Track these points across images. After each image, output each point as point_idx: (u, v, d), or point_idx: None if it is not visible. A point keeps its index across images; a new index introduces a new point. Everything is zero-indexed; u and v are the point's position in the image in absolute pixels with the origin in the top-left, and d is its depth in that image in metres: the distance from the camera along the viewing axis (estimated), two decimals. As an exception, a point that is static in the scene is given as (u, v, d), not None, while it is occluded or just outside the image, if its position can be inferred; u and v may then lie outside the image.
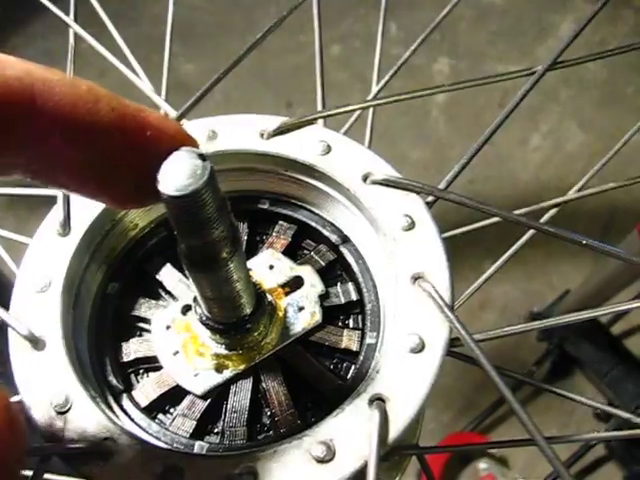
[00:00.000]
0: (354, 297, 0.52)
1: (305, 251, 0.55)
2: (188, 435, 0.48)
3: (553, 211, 0.64)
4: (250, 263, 0.51)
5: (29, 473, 0.46)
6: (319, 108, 0.56)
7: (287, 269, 0.51)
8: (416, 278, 0.46)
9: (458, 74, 2.16)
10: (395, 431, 0.41)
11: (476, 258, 1.65)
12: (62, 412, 0.43)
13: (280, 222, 0.54)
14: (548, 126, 2.10)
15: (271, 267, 0.51)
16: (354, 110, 0.56)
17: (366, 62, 2.34)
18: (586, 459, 1.78)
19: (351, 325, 0.52)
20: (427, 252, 0.47)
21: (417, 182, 0.49)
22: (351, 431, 0.41)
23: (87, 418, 0.43)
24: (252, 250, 0.54)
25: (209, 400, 0.49)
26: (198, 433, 0.48)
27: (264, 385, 0.49)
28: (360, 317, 0.52)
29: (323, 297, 0.51)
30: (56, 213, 0.50)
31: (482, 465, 1.78)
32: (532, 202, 0.61)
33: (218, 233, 0.38)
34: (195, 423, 0.48)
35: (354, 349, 0.50)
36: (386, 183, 0.49)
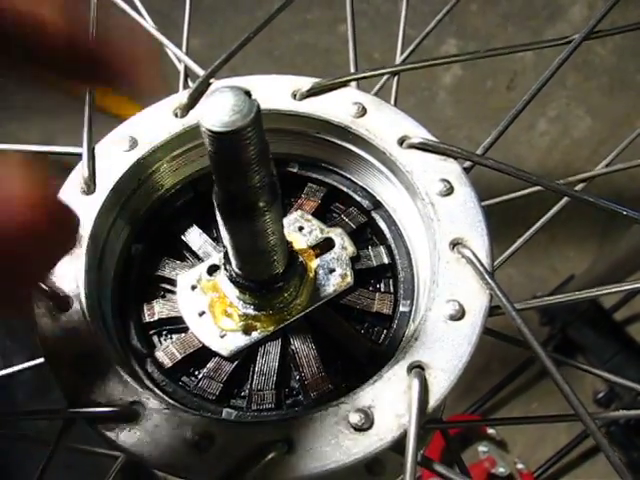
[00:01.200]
0: (386, 260, 0.50)
1: (334, 214, 0.53)
2: (214, 398, 0.46)
3: (581, 185, 0.63)
4: None
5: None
6: (352, 70, 0.54)
7: (317, 231, 0.50)
8: (455, 244, 0.44)
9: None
10: (435, 400, 0.40)
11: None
12: (89, 374, 0.42)
13: (309, 184, 0.53)
14: (555, 111, 2.08)
15: (301, 228, 0.50)
16: (386, 73, 0.54)
17: (373, 42, 2.31)
18: (585, 444, 1.78)
19: (383, 289, 0.50)
20: (466, 218, 0.45)
21: (455, 147, 0.47)
22: (390, 399, 0.40)
23: (114, 381, 0.41)
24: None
25: (236, 362, 0.47)
26: (224, 396, 0.47)
27: (293, 348, 0.48)
28: (392, 281, 0.50)
29: (354, 260, 0.50)
30: (80, 170, 0.48)
31: (482, 448, 1.78)
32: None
33: (259, 179, 0.36)
34: (222, 386, 0.47)
35: (386, 313, 0.49)
36: (423, 147, 0.47)
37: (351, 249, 0.49)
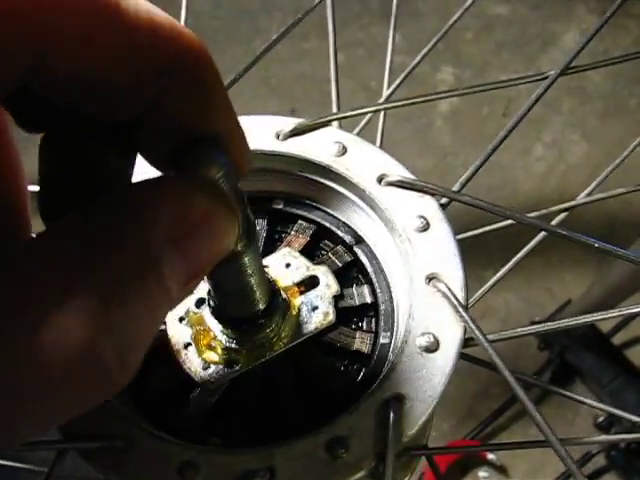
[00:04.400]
0: (369, 300, 0.52)
1: (322, 252, 0.55)
2: (197, 428, 0.48)
3: (562, 215, 0.65)
4: (267, 260, 0.51)
5: (44, 469, 0.47)
6: (334, 110, 0.57)
7: (303, 268, 0.51)
8: (431, 278, 0.46)
9: (462, 83, 2.17)
10: (410, 430, 0.41)
11: (478, 266, 1.66)
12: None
13: (299, 221, 0.55)
14: (551, 137, 2.11)
15: (287, 265, 0.51)
16: (368, 112, 0.56)
17: (370, 71, 2.35)
18: (586, 469, 1.78)
19: (364, 328, 0.51)
20: (441, 253, 0.47)
21: (432, 184, 0.49)
22: (366, 428, 0.41)
23: (105, 412, 0.43)
24: (270, 248, 0.54)
25: (217, 394, 0.49)
26: (207, 427, 0.48)
27: (274, 382, 0.49)
28: (374, 320, 0.52)
29: (338, 298, 0.51)
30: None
31: (482, 474, 1.78)
32: (534, 212, 0.61)
33: None
34: (204, 416, 0.48)
35: (366, 352, 0.50)
36: (401, 184, 0.49)
37: (335, 287, 0.51)
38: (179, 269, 0.28)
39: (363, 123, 0.67)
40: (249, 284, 0.43)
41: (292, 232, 0.54)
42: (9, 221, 0.34)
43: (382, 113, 0.67)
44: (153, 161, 0.35)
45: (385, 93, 0.72)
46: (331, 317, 0.50)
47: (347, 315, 0.51)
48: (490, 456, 1.80)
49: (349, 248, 0.53)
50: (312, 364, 0.50)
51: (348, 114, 0.53)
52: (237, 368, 0.48)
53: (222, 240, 0.30)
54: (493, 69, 2.18)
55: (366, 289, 0.52)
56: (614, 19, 0.63)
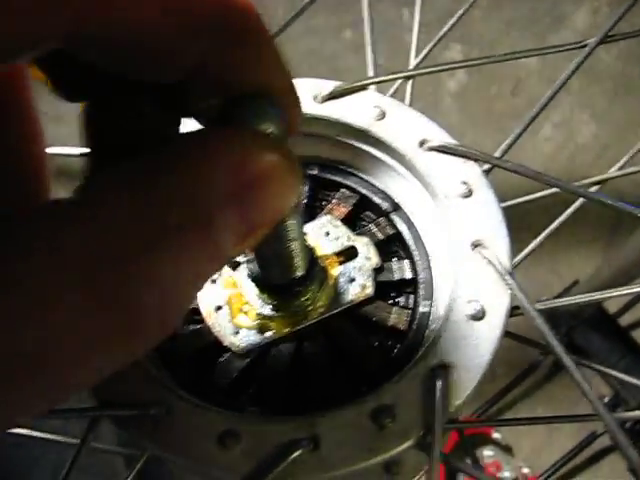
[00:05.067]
0: (408, 275, 0.50)
1: (364, 222, 0.53)
2: (223, 394, 0.47)
3: (594, 188, 0.64)
4: (306, 227, 0.49)
5: (76, 441, 0.46)
6: (370, 74, 0.55)
7: (344, 238, 0.50)
8: (475, 245, 0.45)
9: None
10: (458, 398, 0.40)
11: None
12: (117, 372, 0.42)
13: (342, 190, 0.53)
14: (560, 117, 2.09)
15: (327, 234, 0.50)
16: (405, 77, 0.55)
17: (378, 48, 2.32)
18: (591, 449, 1.78)
19: (402, 303, 0.50)
20: (486, 219, 0.46)
21: (474, 150, 0.48)
22: (413, 397, 0.40)
23: (141, 378, 0.42)
24: (311, 215, 0.53)
25: (247, 360, 0.48)
26: (233, 392, 0.47)
27: (305, 351, 0.48)
28: (412, 296, 0.50)
29: (377, 271, 0.49)
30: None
31: (487, 452, 1.78)
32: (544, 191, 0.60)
33: None
34: (231, 382, 0.47)
35: (401, 329, 0.48)
36: (443, 150, 0.48)
37: (375, 260, 0.49)
38: (234, 226, 0.26)
39: (392, 91, 0.65)
40: (290, 249, 0.41)
41: (334, 200, 0.53)
42: (30, 184, 0.34)
43: (410, 82, 0.66)
44: (201, 120, 0.33)
45: (413, 61, 0.71)
46: (369, 290, 0.48)
47: (385, 289, 0.50)
48: (495, 435, 1.80)
49: (386, 215, 0.52)
50: (346, 336, 0.49)
51: (386, 78, 0.52)
52: (269, 335, 0.47)
53: (284, 199, 0.28)
54: (502, 47, 2.15)
55: (406, 264, 0.51)
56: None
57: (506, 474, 1.77)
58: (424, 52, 0.70)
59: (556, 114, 2.10)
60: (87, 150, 0.32)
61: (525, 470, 1.75)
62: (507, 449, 1.82)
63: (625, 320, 1.89)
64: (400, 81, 0.64)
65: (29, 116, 0.33)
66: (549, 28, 2.21)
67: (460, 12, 0.76)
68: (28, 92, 0.33)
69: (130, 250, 0.23)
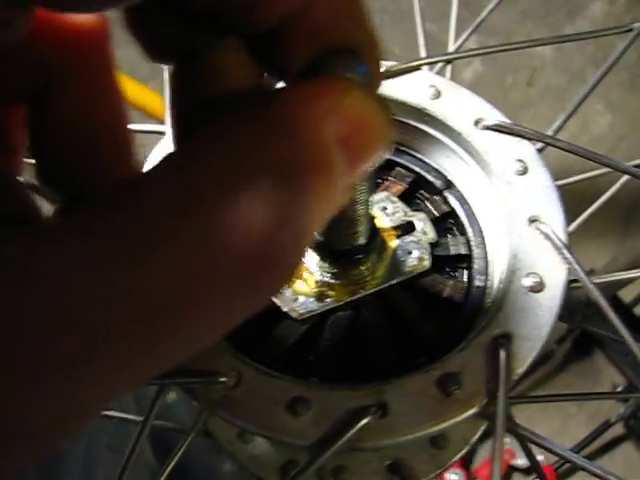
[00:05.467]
0: (463, 251, 0.51)
1: (419, 200, 0.55)
2: (280, 359, 0.48)
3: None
4: None
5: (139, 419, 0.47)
6: (422, 54, 0.56)
7: (401, 213, 0.51)
8: (532, 220, 0.46)
9: (486, 52, 2.14)
10: (520, 368, 0.41)
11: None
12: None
13: (398, 168, 0.54)
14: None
15: (385, 209, 0.51)
16: (454, 59, 0.56)
17: (394, 37, 2.33)
18: (604, 437, 1.79)
19: (457, 277, 0.51)
20: (542, 196, 0.47)
21: (529, 129, 0.49)
22: (477, 366, 0.41)
23: (210, 349, 0.43)
24: None
25: (305, 326, 0.49)
26: (290, 358, 0.48)
27: (363, 321, 0.49)
28: (466, 271, 0.51)
29: (433, 246, 0.51)
30: (163, 150, 0.50)
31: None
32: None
33: None
34: (288, 347, 0.48)
35: (457, 300, 0.50)
36: (498, 129, 0.49)
37: (431, 235, 0.51)
38: (346, 168, 0.27)
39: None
40: (356, 213, 0.42)
41: (390, 178, 0.54)
42: (119, 148, 0.35)
43: (449, 66, 0.67)
44: (286, 73, 0.33)
45: (451, 47, 0.72)
46: (426, 262, 0.50)
47: (441, 264, 0.51)
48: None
49: (439, 193, 0.53)
50: (403, 307, 0.50)
51: (439, 58, 0.53)
52: (328, 302, 0.48)
53: (381, 145, 0.29)
54: (518, 38, 2.15)
55: (461, 240, 0.52)
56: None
57: (520, 461, 1.79)
58: (463, 37, 0.71)
59: (571, 105, 2.10)
60: (174, 116, 0.33)
61: (539, 457, 1.76)
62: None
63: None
64: (441, 64, 0.65)
65: (111, 78, 0.34)
66: (565, 18, 2.21)
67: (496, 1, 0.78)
68: (110, 54, 0.33)
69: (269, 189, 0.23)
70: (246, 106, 0.26)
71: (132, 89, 2.03)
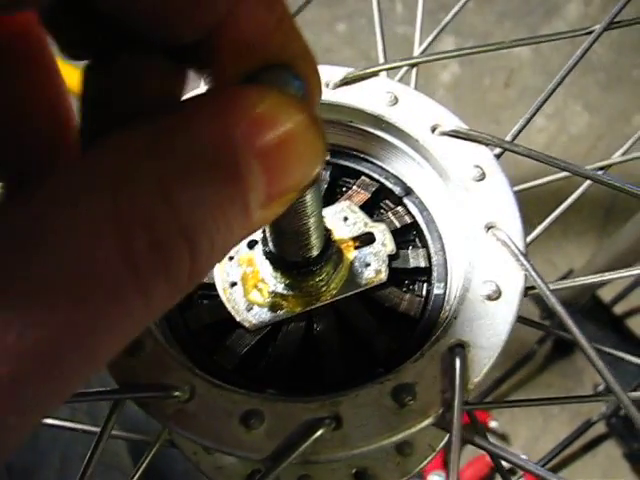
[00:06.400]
0: (423, 264, 0.51)
1: (382, 210, 0.54)
2: (231, 368, 0.47)
3: (600, 172, 0.64)
4: (326, 211, 0.50)
5: (96, 429, 0.46)
6: (381, 60, 0.56)
7: (361, 223, 0.50)
8: (489, 227, 0.46)
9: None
10: (476, 377, 0.41)
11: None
12: (133, 354, 0.43)
13: (362, 177, 0.54)
14: (553, 108, 2.10)
15: (345, 219, 0.50)
16: (417, 63, 0.55)
17: (371, 40, 2.33)
18: (586, 436, 1.80)
19: (416, 291, 0.51)
20: (499, 202, 0.47)
21: (486, 134, 0.49)
22: (432, 376, 0.41)
23: (160, 361, 0.42)
24: (331, 200, 0.53)
25: (258, 337, 0.48)
26: (241, 368, 0.47)
27: (316, 332, 0.49)
28: (425, 285, 0.51)
29: (392, 258, 0.50)
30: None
31: (485, 441, 1.80)
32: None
33: None
34: (240, 357, 0.47)
35: (413, 315, 0.49)
36: (455, 134, 0.49)
37: (391, 247, 0.50)
38: (262, 187, 0.26)
39: (398, 78, 0.66)
40: (306, 225, 0.41)
41: (354, 187, 0.53)
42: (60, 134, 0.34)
43: (414, 70, 0.67)
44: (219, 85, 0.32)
45: (417, 49, 0.72)
46: (383, 275, 0.49)
47: (399, 277, 0.51)
48: (492, 424, 1.82)
49: (399, 200, 0.52)
50: (357, 320, 0.49)
51: (396, 64, 0.52)
52: (281, 313, 0.48)
53: (311, 162, 0.28)
54: (495, 39, 2.16)
55: (422, 253, 0.51)
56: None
57: (503, 463, 1.79)
58: (428, 40, 0.70)
59: (549, 105, 2.10)
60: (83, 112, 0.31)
61: (523, 456, 1.76)
62: (504, 437, 1.84)
63: (620, 308, 1.92)
64: (405, 70, 0.64)
65: (46, 63, 0.33)
66: (542, 20, 2.22)
67: (462, 2, 0.77)
68: (43, 40, 0.32)
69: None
70: (151, 121, 0.25)
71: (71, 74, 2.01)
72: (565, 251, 1.98)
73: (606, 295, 1.88)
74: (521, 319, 0.48)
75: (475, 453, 1.78)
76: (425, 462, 0.56)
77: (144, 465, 0.52)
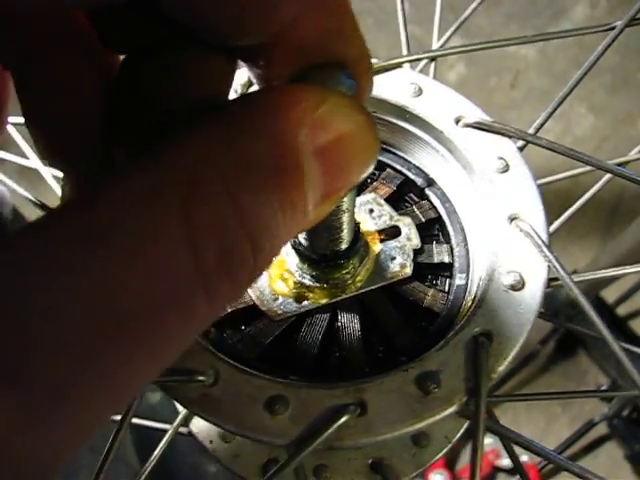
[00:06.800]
0: (447, 260, 0.51)
1: (407, 204, 0.54)
2: (254, 357, 0.47)
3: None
4: None
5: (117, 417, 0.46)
6: (404, 52, 0.56)
7: (387, 216, 0.50)
8: (513, 218, 0.46)
9: (471, 54, 2.16)
10: (500, 366, 0.41)
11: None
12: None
13: (388, 170, 0.54)
14: (558, 109, 2.10)
15: (371, 211, 0.51)
16: (436, 56, 0.56)
17: (379, 39, 2.33)
18: (588, 437, 1.80)
19: (438, 286, 0.51)
20: (522, 194, 0.47)
21: (510, 126, 0.49)
22: (456, 364, 0.41)
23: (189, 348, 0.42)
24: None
25: (282, 327, 0.48)
26: (264, 357, 0.48)
27: (339, 324, 0.49)
28: (448, 280, 0.51)
29: (417, 252, 0.50)
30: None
31: (486, 440, 1.80)
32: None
33: None
34: (263, 347, 0.47)
35: (436, 310, 0.49)
36: (479, 126, 0.49)
37: (416, 241, 0.50)
38: (318, 185, 0.26)
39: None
40: (340, 220, 0.41)
41: (379, 179, 0.54)
42: None
43: (433, 63, 0.67)
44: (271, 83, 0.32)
45: (436, 44, 0.72)
46: (408, 269, 0.49)
47: (422, 271, 0.51)
48: (494, 424, 1.82)
49: (422, 192, 0.53)
50: (381, 313, 0.49)
51: (422, 56, 0.52)
52: (307, 304, 0.48)
53: (365, 162, 0.28)
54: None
55: (445, 248, 0.51)
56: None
57: (505, 462, 1.79)
58: (447, 35, 0.70)
59: (552, 103, 2.11)
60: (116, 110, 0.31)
61: (524, 458, 1.76)
62: (506, 437, 1.84)
63: (623, 310, 1.92)
64: (424, 62, 0.64)
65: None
66: (549, 21, 2.23)
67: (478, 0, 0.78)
68: None
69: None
70: (214, 112, 0.25)
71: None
72: (569, 252, 1.98)
73: (609, 296, 1.88)
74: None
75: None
76: (441, 454, 0.57)
77: (160, 451, 0.52)
